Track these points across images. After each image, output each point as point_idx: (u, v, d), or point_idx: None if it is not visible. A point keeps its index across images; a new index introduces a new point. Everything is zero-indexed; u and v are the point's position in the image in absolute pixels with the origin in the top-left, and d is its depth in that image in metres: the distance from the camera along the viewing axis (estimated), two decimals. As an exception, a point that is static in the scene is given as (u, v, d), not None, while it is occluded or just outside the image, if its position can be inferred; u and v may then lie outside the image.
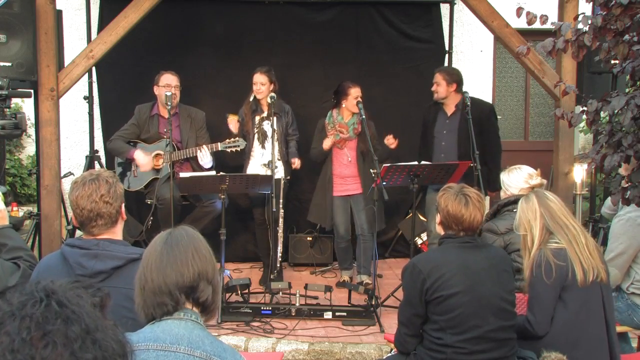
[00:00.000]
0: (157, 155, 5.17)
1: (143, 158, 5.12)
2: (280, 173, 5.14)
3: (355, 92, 5.01)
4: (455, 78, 5.04)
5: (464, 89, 5.03)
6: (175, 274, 1.74)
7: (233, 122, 5.18)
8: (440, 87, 5.01)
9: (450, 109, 5.07)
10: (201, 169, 5.09)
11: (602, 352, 2.75)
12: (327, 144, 5.09)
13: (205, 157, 5.04)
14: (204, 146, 5.05)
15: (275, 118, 5.08)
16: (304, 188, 5.51)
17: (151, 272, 1.76)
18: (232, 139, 5.03)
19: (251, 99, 5.20)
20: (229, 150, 5.04)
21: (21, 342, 0.98)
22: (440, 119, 5.14)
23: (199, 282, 1.77)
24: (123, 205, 2.39)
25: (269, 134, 5.06)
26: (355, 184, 5.15)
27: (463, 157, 4.77)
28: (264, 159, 5.12)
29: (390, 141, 4.99)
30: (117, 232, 2.38)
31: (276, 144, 5.10)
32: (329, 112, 5.20)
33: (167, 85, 5.06)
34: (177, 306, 1.75)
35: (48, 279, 1.10)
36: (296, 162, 5.22)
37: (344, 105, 5.08)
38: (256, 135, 5.18)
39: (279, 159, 5.14)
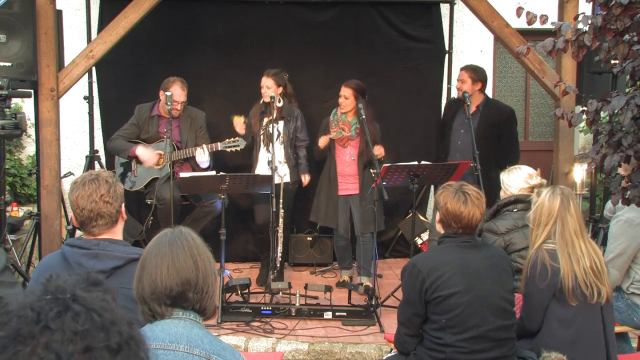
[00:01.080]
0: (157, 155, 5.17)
1: (146, 153, 5.09)
2: (286, 177, 5.14)
3: (341, 91, 5.00)
4: (480, 77, 5.01)
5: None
6: (148, 286, 1.75)
7: (239, 124, 5.12)
8: (465, 85, 4.96)
9: (471, 108, 4.95)
10: (201, 169, 5.08)
11: (599, 353, 2.76)
12: (322, 142, 5.07)
13: (203, 156, 5.02)
14: (204, 146, 5.04)
15: (283, 122, 5.08)
16: (304, 188, 5.51)
17: (135, 280, 1.78)
18: (232, 139, 5.03)
19: (261, 101, 5.17)
20: (228, 149, 5.03)
21: (69, 357, 0.92)
22: (459, 117, 5.07)
23: (176, 292, 1.74)
24: (123, 205, 2.39)
25: (275, 136, 5.05)
26: (355, 184, 5.14)
27: (480, 159, 4.75)
28: (268, 159, 5.09)
29: (377, 152, 4.85)
30: (117, 232, 2.38)
31: (281, 146, 5.10)
32: (334, 109, 5.20)
33: (175, 101, 4.96)
34: (157, 315, 1.75)
35: (60, 278, 1.04)
36: (306, 179, 5.25)
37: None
38: (262, 137, 5.17)
39: (285, 163, 5.14)
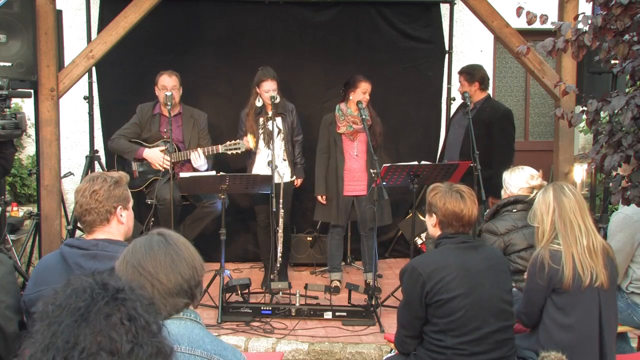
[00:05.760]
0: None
1: (154, 152, 5.10)
2: (286, 176, 5.13)
3: (364, 87, 5.00)
4: (476, 77, 5.11)
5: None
6: (189, 270, 1.76)
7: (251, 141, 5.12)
8: (462, 88, 5.11)
9: (471, 106, 5.03)
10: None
11: (595, 355, 2.76)
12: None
13: (198, 160, 5.00)
14: (199, 149, 5.02)
15: (280, 118, 5.09)
16: (303, 188, 5.51)
17: (167, 274, 1.72)
18: (233, 141, 5.01)
19: (257, 104, 5.14)
20: (229, 152, 5.02)
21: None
22: (457, 115, 5.25)
23: (202, 274, 1.83)
24: (120, 208, 2.39)
25: (275, 133, 5.05)
26: (363, 184, 5.10)
27: (464, 155, 4.78)
28: (269, 159, 5.09)
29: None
30: (113, 233, 2.39)
31: (281, 143, 5.10)
32: (337, 105, 5.18)
33: (164, 87, 5.03)
34: (191, 302, 1.77)
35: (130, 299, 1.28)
36: (298, 182, 5.31)
37: (351, 98, 5.04)
38: (262, 136, 5.16)
39: (284, 160, 5.14)
